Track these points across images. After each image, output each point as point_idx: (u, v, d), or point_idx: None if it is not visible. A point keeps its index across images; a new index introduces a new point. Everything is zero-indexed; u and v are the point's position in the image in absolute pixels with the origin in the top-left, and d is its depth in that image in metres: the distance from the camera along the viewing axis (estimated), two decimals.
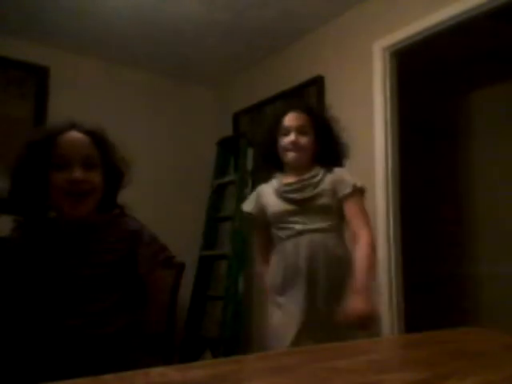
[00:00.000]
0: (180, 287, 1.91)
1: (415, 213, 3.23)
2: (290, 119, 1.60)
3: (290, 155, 1.59)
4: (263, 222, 1.67)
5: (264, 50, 3.23)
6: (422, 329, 1.26)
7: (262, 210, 1.65)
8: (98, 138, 1.11)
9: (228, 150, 3.52)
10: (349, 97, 2.68)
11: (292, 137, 1.57)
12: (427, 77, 3.51)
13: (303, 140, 1.58)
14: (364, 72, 2.58)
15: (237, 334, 3.00)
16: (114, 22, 2.82)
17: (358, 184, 1.56)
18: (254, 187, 2.46)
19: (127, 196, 1.34)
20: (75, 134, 1.07)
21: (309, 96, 2.90)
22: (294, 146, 1.57)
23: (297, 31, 2.96)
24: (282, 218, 1.58)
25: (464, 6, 2.13)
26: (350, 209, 1.56)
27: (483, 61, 3.17)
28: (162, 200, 3.41)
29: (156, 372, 0.72)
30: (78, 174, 1.03)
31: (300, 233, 1.54)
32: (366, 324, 1.44)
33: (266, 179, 1.72)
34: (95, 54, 3.27)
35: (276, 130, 1.62)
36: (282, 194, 1.58)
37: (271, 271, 1.62)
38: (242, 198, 2.66)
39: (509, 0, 2.03)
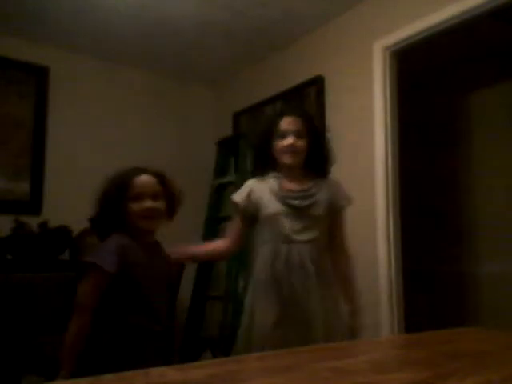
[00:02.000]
0: (180, 287, 1.92)
1: (415, 212, 3.23)
2: (287, 123, 1.63)
3: (287, 158, 1.62)
4: (248, 216, 1.67)
5: (264, 50, 3.23)
6: (422, 329, 1.26)
7: (252, 204, 1.65)
8: (161, 178, 1.48)
9: (228, 150, 3.50)
10: (349, 97, 2.68)
11: (290, 140, 1.60)
12: (427, 77, 3.51)
13: (300, 143, 1.62)
14: (364, 72, 2.58)
15: (237, 334, 2.98)
16: (113, 22, 2.82)
17: (350, 197, 1.68)
18: None
19: None
20: (145, 177, 1.45)
21: (309, 96, 2.90)
22: (291, 148, 1.61)
23: (297, 31, 2.96)
24: (277, 219, 1.59)
25: (464, 6, 2.13)
26: (342, 220, 1.68)
27: (483, 60, 3.17)
28: None
29: (156, 372, 0.72)
30: (149, 203, 1.41)
31: (292, 241, 1.57)
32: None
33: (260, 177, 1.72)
34: (95, 54, 3.27)
35: (272, 132, 1.65)
36: (283, 199, 1.61)
37: (261, 265, 1.62)
38: None
39: (509, 0, 2.03)
